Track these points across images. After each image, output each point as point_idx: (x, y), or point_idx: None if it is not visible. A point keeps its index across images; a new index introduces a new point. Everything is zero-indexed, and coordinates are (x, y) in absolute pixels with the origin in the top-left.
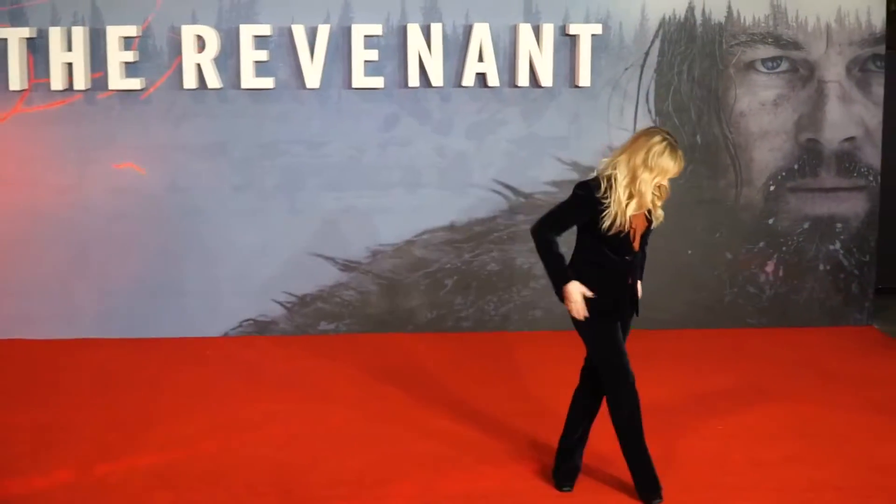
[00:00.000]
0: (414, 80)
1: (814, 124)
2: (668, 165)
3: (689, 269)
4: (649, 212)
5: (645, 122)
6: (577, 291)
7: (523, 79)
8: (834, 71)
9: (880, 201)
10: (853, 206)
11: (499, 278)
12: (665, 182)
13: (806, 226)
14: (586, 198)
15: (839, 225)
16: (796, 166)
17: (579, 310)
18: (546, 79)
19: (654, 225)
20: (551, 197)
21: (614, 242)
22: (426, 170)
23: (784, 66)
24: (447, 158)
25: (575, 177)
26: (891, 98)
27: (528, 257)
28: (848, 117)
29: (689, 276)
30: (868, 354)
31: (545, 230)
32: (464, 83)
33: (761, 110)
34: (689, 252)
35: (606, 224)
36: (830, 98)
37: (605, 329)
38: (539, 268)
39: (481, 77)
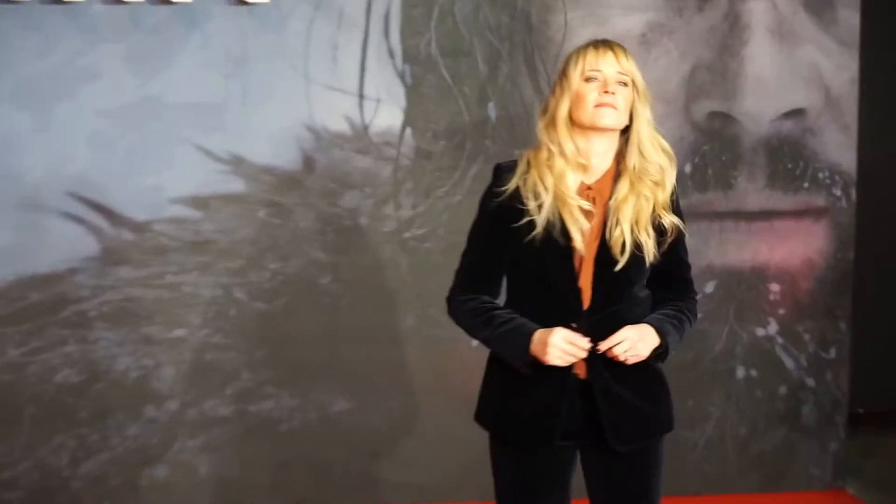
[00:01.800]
0: None
1: (722, 85)
2: (575, 61)
3: (476, 381)
4: (636, 245)
5: (384, 72)
6: (542, 342)
7: None
8: None
9: (857, 236)
10: (804, 247)
11: (80, 400)
12: (613, 97)
13: (709, 289)
14: (491, 181)
15: (776, 287)
16: (689, 168)
17: (569, 352)
18: None
19: (644, 247)
20: (184, 228)
21: (547, 289)
22: None
23: None
24: None
25: (237, 187)
26: (877, 33)
27: (135, 351)
28: (790, 71)
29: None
30: None
31: (454, 292)
32: None
33: None
34: (475, 345)
35: (538, 228)
36: (755, 32)
37: (506, 470)
38: (166, 376)
39: None
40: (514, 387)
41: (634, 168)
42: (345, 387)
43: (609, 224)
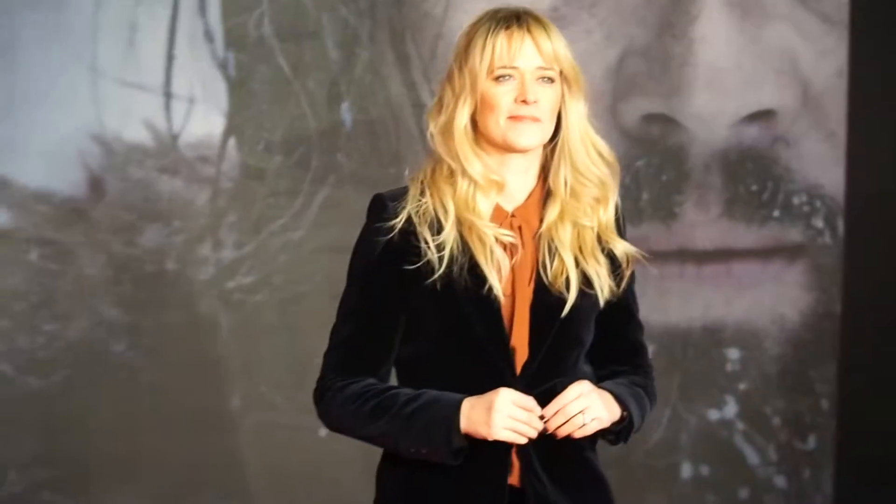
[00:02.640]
0: None
1: (663, 77)
2: (481, 49)
3: (328, 481)
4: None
5: (199, 61)
6: (484, 409)
7: None
8: None
9: (845, 283)
10: (773, 299)
11: None
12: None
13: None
14: (369, 218)
15: (734, 354)
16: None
17: (523, 419)
18: None
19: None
20: None
21: (463, 356)
22: None
23: None
24: None
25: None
26: (873, 8)
27: None
28: (755, 58)
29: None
30: None
31: (326, 380)
32: None
33: None
34: (324, 434)
35: (440, 272)
36: (707, 4)
37: None
38: None
39: None
40: (428, 499)
41: (566, 185)
42: (148, 491)
43: (542, 255)
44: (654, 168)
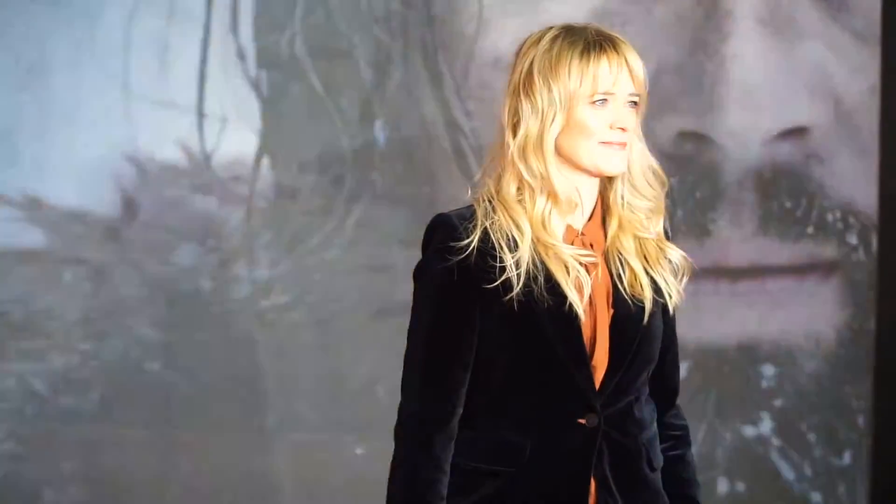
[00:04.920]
0: None
1: (696, 95)
2: (578, 70)
3: (366, 501)
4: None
5: (232, 81)
6: None
7: None
8: None
9: (879, 299)
10: (808, 315)
11: None
12: (620, 120)
13: (680, 374)
14: (438, 238)
15: (770, 371)
16: None
17: None
18: None
19: (672, 295)
20: None
21: (543, 374)
22: None
23: None
24: None
25: (33, 240)
26: None
27: None
28: (788, 75)
29: None
30: None
31: (413, 421)
32: None
33: None
34: (360, 452)
35: (515, 285)
36: (740, 22)
37: None
38: None
39: None
40: None
41: (623, 201)
42: None
43: (615, 268)
44: (688, 185)
